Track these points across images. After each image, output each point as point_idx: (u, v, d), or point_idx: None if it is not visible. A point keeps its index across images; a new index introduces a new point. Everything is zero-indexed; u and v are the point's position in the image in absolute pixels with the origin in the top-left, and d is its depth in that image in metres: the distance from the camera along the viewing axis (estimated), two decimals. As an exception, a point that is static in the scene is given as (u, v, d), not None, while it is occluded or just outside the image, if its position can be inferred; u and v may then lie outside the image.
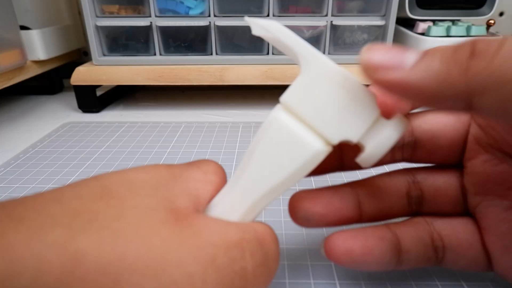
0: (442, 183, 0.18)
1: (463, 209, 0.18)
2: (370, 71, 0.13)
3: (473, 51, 0.11)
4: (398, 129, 0.14)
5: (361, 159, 0.15)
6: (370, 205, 0.18)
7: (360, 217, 0.18)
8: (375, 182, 0.18)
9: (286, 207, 0.26)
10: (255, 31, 0.15)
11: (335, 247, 0.17)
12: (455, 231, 0.18)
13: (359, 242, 0.17)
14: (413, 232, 0.18)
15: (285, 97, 0.15)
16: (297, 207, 0.18)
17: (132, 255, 0.11)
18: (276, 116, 0.15)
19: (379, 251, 0.17)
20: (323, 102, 0.15)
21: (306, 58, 0.15)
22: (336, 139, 0.15)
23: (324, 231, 0.23)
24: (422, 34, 0.46)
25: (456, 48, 0.12)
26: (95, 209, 0.12)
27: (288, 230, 0.23)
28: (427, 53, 0.12)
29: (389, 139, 0.14)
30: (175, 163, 0.34)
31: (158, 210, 0.13)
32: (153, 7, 0.44)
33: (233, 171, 0.31)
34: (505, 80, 0.11)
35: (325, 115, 0.14)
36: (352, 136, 0.14)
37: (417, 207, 0.19)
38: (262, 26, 0.15)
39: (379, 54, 0.13)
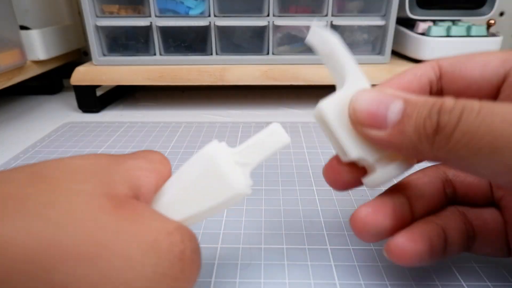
0: (473, 179, 0.19)
1: (491, 200, 0.19)
2: (358, 126, 0.16)
3: (438, 126, 0.14)
4: (403, 166, 0.17)
5: (368, 179, 0.17)
6: (419, 206, 0.18)
7: (412, 219, 0.18)
8: (418, 183, 0.19)
9: (286, 207, 0.26)
10: (311, 40, 0.17)
11: (402, 249, 0.17)
12: (484, 221, 0.19)
13: (425, 243, 0.17)
14: (454, 224, 0.19)
15: (325, 104, 0.17)
16: (367, 224, 0.17)
17: (64, 243, 0.10)
18: (210, 151, 0.16)
19: (439, 248, 0.17)
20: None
21: (352, 76, 0.17)
22: (357, 156, 0.17)
23: (325, 232, 0.23)
24: (423, 34, 0.46)
25: (426, 118, 0.14)
26: (25, 193, 0.11)
27: (288, 230, 0.23)
28: (404, 116, 0.15)
29: (396, 169, 0.17)
30: (175, 163, 0.34)
31: (95, 195, 0.12)
32: (153, 7, 0.44)
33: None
34: (462, 155, 0.13)
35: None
36: (370, 157, 0.17)
37: (452, 201, 0.20)
38: (323, 37, 0.17)
39: (365, 111, 0.15)
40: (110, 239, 0.11)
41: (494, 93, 0.17)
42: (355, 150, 0.17)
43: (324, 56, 0.17)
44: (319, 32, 0.16)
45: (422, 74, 0.18)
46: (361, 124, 0.16)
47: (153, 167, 0.15)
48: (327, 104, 0.17)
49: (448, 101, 0.14)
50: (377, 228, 0.17)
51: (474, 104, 0.13)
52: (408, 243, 0.17)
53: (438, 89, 0.19)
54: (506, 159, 0.13)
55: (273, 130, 0.16)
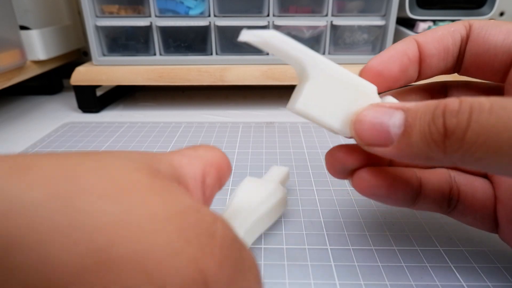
0: None
1: (484, 173, 0.20)
2: (362, 144, 0.16)
3: (446, 131, 0.13)
4: None
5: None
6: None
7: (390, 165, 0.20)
8: None
9: (286, 207, 0.26)
10: (244, 37, 0.15)
11: (363, 180, 0.18)
12: (473, 189, 0.19)
13: (386, 181, 0.18)
14: (435, 181, 0.19)
15: (300, 103, 0.16)
16: (337, 163, 0.19)
17: (87, 184, 0.10)
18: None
19: (402, 193, 0.18)
20: (334, 102, 0.16)
21: (309, 63, 0.16)
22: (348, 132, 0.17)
23: (325, 232, 0.23)
24: (422, 34, 0.46)
25: (431, 124, 0.14)
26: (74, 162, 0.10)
27: (288, 230, 0.23)
28: (406, 127, 0.15)
29: None
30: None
31: (136, 163, 0.11)
32: (153, 7, 0.44)
33: (232, 171, 0.31)
34: (479, 157, 0.13)
35: (337, 112, 0.17)
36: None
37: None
38: (256, 36, 0.15)
39: (368, 132, 0.16)
40: (139, 195, 0.10)
41: (508, 64, 0.17)
42: (346, 130, 0.17)
43: (272, 52, 0.16)
44: (250, 32, 0.15)
45: (455, 29, 0.18)
46: (367, 145, 0.16)
47: (198, 154, 0.14)
48: (304, 102, 0.16)
49: (452, 102, 0.13)
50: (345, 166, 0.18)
51: (483, 102, 0.13)
52: (368, 175, 0.18)
53: (461, 51, 0.19)
54: None
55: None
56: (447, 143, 0.13)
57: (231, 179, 0.30)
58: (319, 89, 0.16)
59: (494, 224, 0.19)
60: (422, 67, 0.19)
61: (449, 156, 0.14)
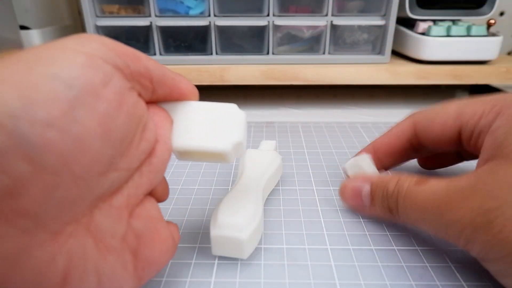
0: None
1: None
2: (347, 207, 0.25)
3: (389, 208, 0.21)
4: None
5: None
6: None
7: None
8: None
9: (286, 207, 0.26)
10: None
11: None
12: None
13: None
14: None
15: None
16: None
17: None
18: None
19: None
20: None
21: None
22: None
23: (325, 232, 0.23)
24: (423, 34, 0.46)
25: (383, 201, 0.22)
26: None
27: (288, 230, 0.23)
28: (372, 197, 0.23)
29: None
30: (175, 163, 0.34)
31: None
32: (153, 7, 0.44)
33: (232, 171, 0.31)
34: (412, 223, 0.21)
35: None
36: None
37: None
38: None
39: (350, 199, 0.24)
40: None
41: (456, 142, 0.23)
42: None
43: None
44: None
45: (402, 133, 0.26)
46: (349, 207, 0.25)
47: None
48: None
49: (390, 185, 0.21)
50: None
51: (404, 186, 0.20)
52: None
53: (417, 143, 0.25)
54: (431, 226, 0.19)
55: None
56: (393, 215, 0.21)
57: (231, 178, 0.30)
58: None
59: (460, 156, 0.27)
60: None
61: (400, 220, 0.21)
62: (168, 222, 0.18)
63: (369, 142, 0.28)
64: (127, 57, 0.15)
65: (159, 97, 0.17)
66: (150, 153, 0.16)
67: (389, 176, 0.22)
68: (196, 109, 0.18)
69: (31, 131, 0.10)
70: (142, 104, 0.15)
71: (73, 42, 0.14)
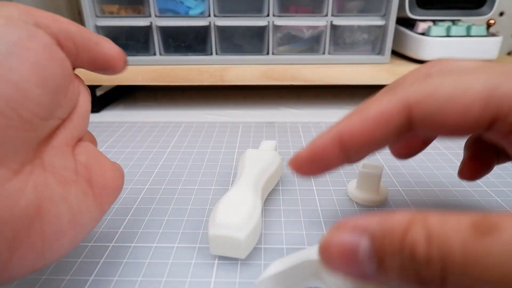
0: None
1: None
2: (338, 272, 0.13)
3: (422, 280, 0.11)
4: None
5: None
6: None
7: None
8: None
9: (286, 207, 0.26)
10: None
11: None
12: None
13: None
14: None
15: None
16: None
17: None
18: None
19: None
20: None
21: None
22: None
23: (324, 231, 0.23)
24: (422, 34, 0.46)
25: (404, 268, 0.11)
26: None
27: (288, 230, 0.23)
28: (379, 260, 0.12)
29: None
30: (175, 163, 0.34)
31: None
32: (153, 7, 0.44)
33: (232, 171, 0.31)
34: None
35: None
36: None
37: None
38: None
39: (340, 265, 0.13)
40: None
41: (484, 131, 0.15)
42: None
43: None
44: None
45: (386, 120, 0.16)
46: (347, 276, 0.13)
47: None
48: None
49: (419, 244, 0.11)
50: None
51: (455, 252, 0.10)
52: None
53: (407, 130, 0.16)
54: None
55: None
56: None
57: (231, 178, 0.30)
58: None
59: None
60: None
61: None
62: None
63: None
64: (46, 19, 0.16)
65: (83, 63, 0.18)
66: (75, 106, 0.17)
67: (400, 215, 0.12)
68: None
69: None
70: (68, 62, 0.16)
71: None
